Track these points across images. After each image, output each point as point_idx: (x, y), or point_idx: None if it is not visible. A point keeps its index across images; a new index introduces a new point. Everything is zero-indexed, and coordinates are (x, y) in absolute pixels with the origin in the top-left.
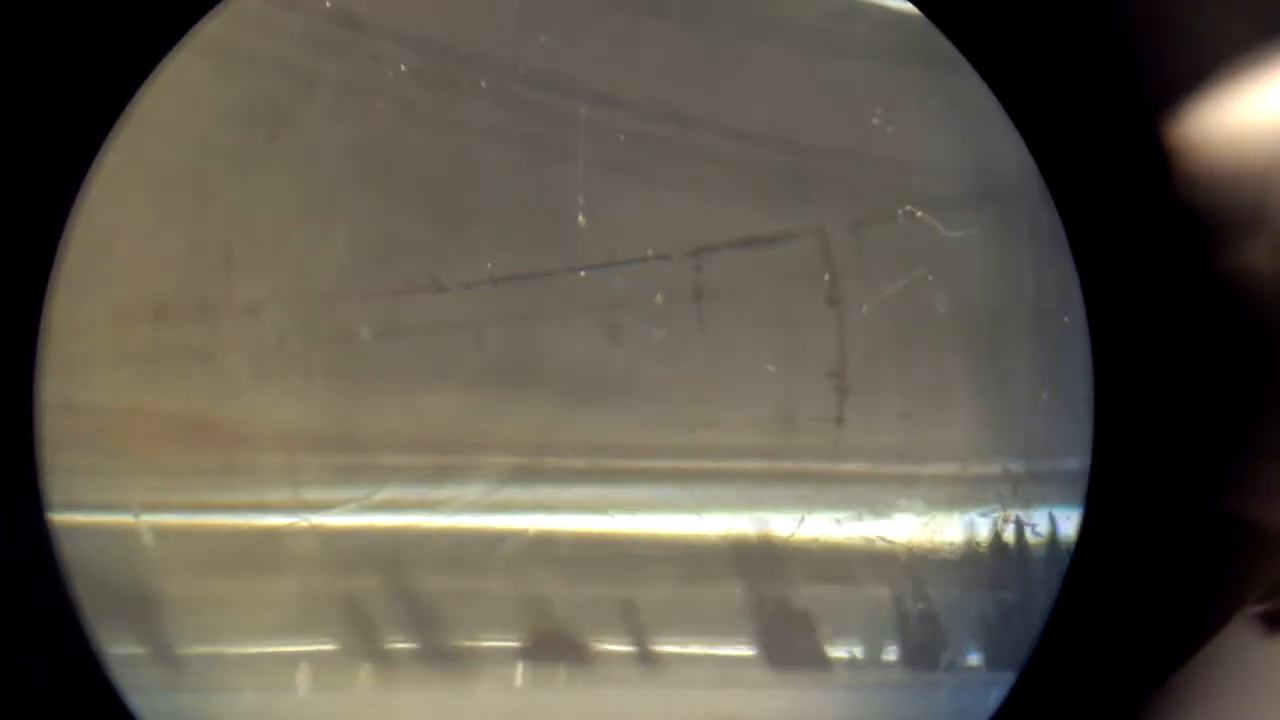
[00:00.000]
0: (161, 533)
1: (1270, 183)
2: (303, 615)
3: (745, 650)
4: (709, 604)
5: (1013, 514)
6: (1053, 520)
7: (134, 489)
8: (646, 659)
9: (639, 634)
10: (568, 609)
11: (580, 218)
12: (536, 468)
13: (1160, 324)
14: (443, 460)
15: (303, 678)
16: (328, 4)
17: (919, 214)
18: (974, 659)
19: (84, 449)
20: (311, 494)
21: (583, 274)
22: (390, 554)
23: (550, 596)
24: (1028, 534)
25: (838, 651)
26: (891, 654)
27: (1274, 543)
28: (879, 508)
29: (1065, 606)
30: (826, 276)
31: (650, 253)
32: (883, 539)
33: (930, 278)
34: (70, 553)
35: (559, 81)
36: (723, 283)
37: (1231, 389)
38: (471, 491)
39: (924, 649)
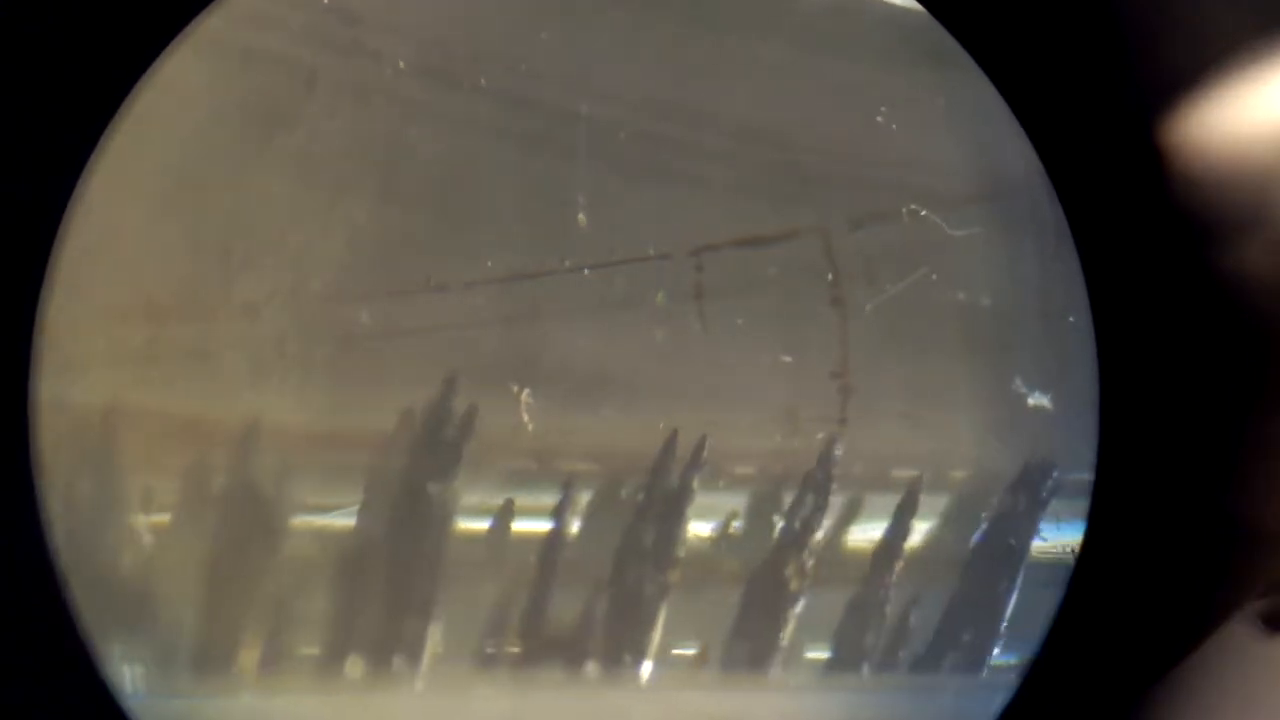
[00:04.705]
0: (159, 533)
1: (1270, 183)
2: (301, 616)
3: (746, 651)
4: (710, 605)
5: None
6: (1057, 521)
7: (131, 489)
8: (646, 659)
9: (639, 634)
10: (568, 610)
11: (581, 216)
12: (536, 468)
13: (1166, 323)
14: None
15: (300, 679)
16: (325, 0)
17: (923, 213)
18: (978, 662)
19: (81, 449)
20: (310, 494)
21: (584, 273)
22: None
23: (551, 597)
24: (1031, 535)
25: (840, 654)
26: (895, 657)
27: (1274, 543)
28: (882, 509)
29: (1070, 608)
30: (829, 276)
31: (651, 251)
32: (885, 540)
33: (934, 277)
34: (68, 553)
35: (560, 79)
36: (724, 282)
37: (1235, 388)
38: (471, 492)
39: (927, 652)
